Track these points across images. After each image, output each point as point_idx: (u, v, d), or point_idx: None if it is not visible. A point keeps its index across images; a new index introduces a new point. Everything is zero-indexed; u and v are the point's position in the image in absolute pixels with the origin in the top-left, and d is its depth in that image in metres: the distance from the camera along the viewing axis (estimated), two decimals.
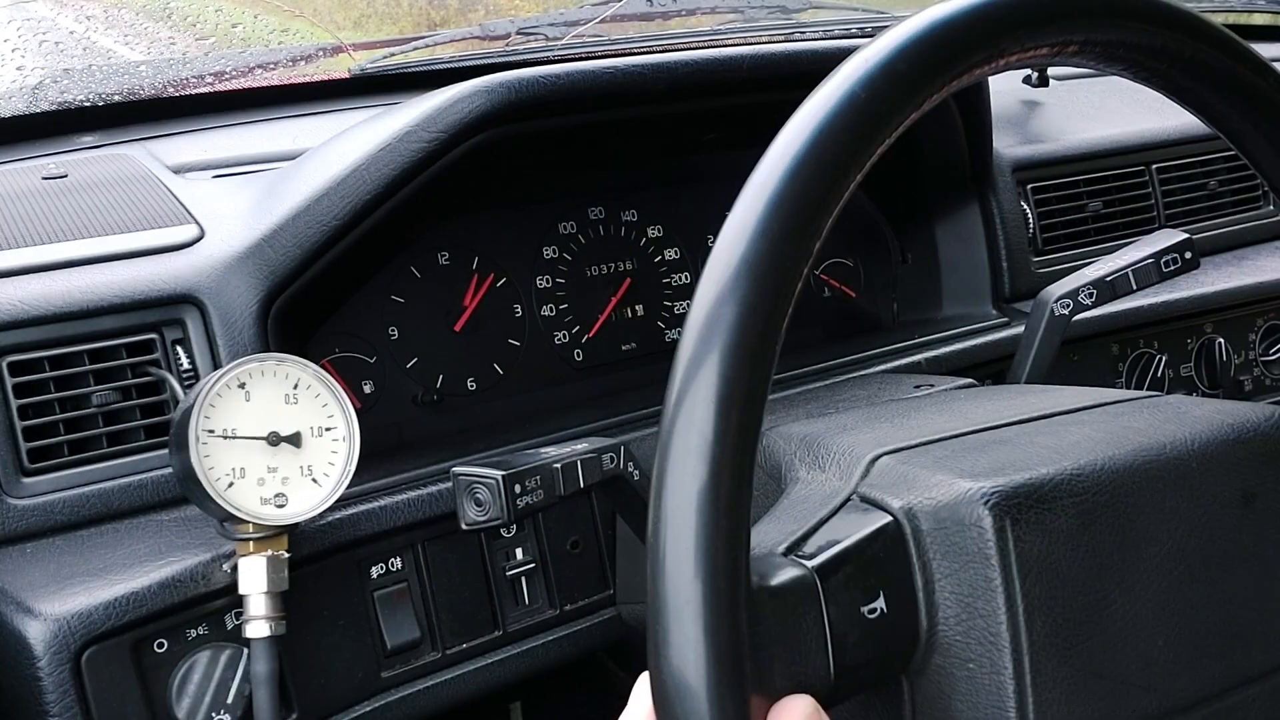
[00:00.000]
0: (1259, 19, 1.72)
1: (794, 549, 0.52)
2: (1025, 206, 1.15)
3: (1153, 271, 0.95)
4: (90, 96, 1.11)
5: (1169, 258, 0.95)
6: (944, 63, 0.47)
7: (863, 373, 0.99)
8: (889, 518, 0.53)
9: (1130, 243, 0.99)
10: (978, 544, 0.50)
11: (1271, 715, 0.57)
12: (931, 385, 0.85)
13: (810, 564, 0.50)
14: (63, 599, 0.67)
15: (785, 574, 0.49)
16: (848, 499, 0.55)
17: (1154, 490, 0.54)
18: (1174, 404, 0.63)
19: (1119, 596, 0.53)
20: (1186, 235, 0.96)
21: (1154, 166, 1.25)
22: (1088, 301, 0.94)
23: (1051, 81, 1.34)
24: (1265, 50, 0.61)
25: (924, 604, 0.52)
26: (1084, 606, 0.52)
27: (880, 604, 0.51)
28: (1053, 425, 0.61)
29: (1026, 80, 1.34)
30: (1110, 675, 0.52)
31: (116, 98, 1.13)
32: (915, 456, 0.57)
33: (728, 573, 0.41)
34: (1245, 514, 0.57)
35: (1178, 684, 0.54)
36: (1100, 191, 1.21)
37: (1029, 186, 1.16)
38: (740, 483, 0.42)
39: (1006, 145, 1.16)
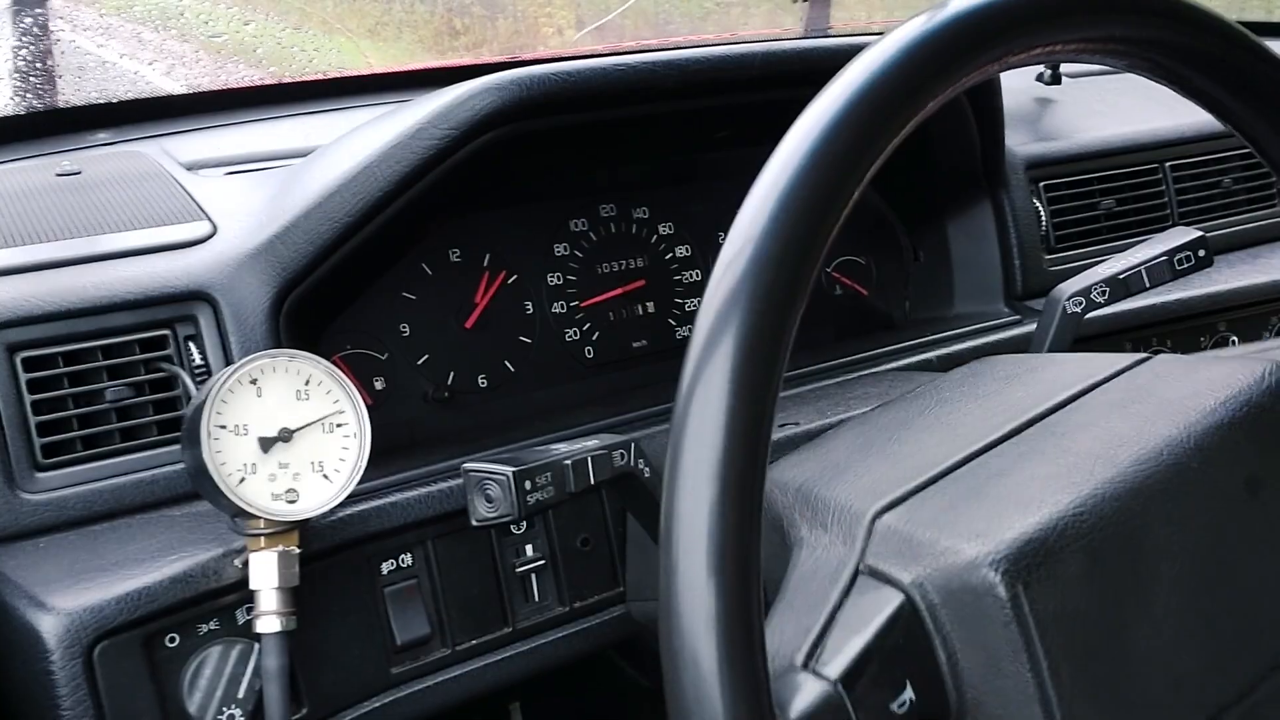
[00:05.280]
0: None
1: (812, 655, 0.50)
2: (1038, 204, 1.15)
3: (1166, 269, 0.94)
4: (104, 94, 1.12)
5: (1182, 255, 0.94)
6: (912, 93, 0.47)
7: (874, 370, 0.98)
8: (901, 596, 0.52)
9: (1143, 240, 0.99)
10: (993, 610, 0.50)
11: None
12: None
13: (833, 675, 0.49)
14: (75, 593, 0.68)
15: (809, 695, 0.48)
16: (856, 572, 0.54)
17: (1158, 503, 0.53)
18: (1159, 389, 0.61)
19: (1138, 619, 0.52)
20: (1200, 233, 0.96)
21: (1167, 164, 1.25)
22: (1100, 299, 0.93)
23: (1064, 79, 1.34)
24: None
25: (950, 678, 0.51)
26: (1106, 641, 0.51)
27: (908, 695, 0.50)
28: (1045, 441, 0.59)
29: (1039, 78, 1.34)
30: (1142, 703, 0.51)
31: (130, 95, 1.13)
32: (915, 511, 0.55)
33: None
34: (1253, 502, 0.56)
35: (1208, 692, 0.53)
36: (1113, 189, 1.21)
37: (1042, 184, 1.16)
38: (749, 585, 0.42)
39: (1019, 143, 1.16)
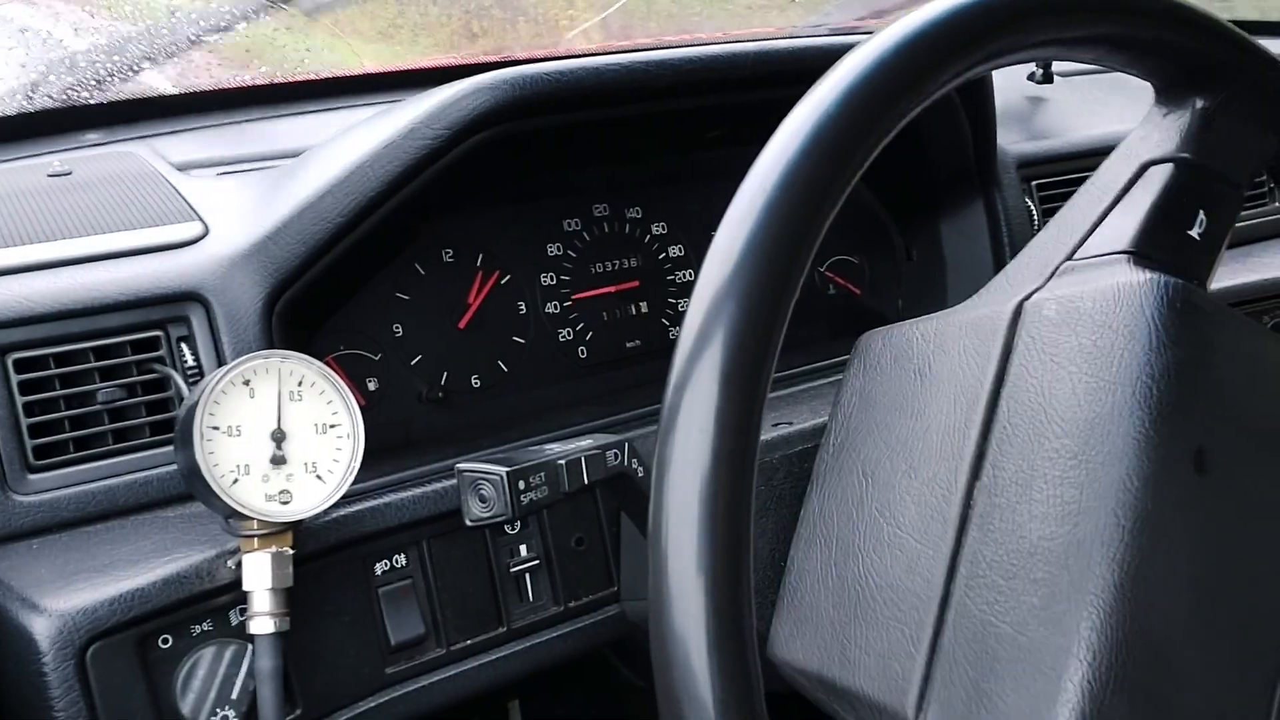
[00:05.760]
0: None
1: None
2: (1030, 203, 1.15)
3: None
4: (94, 93, 1.12)
5: None
6: (904, 88, 0.47)
7: None
8: None
9: None
10: None
11: None
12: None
13: None
14: (68, 595, 0.67)
15: None
16: None
17: (1138, 571, 0.52)
18: (1060, 384, 0.57)
19: (1178, 675, 0.52)
20: None
21: None
22: None
23: (1056, 78, 1.34)
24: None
25: None
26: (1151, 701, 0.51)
27: None
28: (1000, 539, 0.56)
29: (1031, 77, 1.34)
30: None
31: (121, 95, 1.13)
32: (946, 705, 0.54)
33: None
34: (1205, 480, 0.54)
35: (1230, 688, 0.53)
36: None
37: (1033, 183, 1.16)
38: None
39: (1011, 141, 1.16)
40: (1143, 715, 0.50)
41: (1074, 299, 0.58)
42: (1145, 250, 0.60)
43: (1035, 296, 0.60)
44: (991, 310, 0.61)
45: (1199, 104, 0.61)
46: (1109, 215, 0.62)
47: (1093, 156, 1.21)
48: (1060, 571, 0.52)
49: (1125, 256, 0.60)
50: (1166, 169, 0.62)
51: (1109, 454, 0.53)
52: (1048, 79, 1.34)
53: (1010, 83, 1.31)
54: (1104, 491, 0.53)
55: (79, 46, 1.21)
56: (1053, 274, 0.62)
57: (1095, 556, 0.52)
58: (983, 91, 1.06)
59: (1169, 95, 0.62)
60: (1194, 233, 0.62)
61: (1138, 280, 0.56)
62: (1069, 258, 0.62)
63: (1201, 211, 0.62)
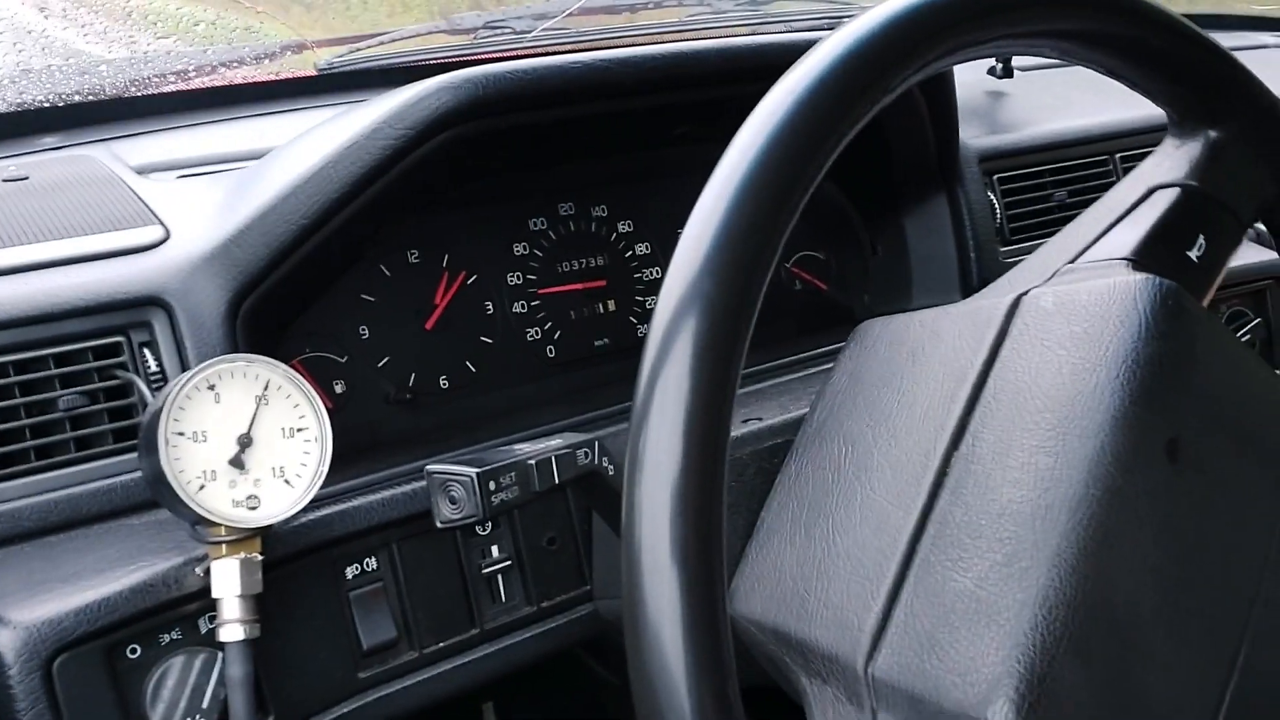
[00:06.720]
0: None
1: None
2: (992, 197, 1.16)
3: None
4: (50, 97, 1.10)
5: None
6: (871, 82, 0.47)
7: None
8: None
9: None
10: None
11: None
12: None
13: None
14: (32, 606, 0.66)
15: None
16: None
17: (1103, 544, 0.53)
18: (1046, 369, 0.58)
19: (1137, 653, 0.52)
20: None
21: (1118, 155, 1.27)
22: None
23: (1016, 72, 1.36)
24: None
25: None
26: (1109, 688, 0.51)
27: None
28: (971, 504, 0.56)
29: (991, 71, 1.36)
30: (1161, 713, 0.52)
31: (78, 98, 1.11)
32: (899, 652, 0.55)
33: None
34: (1175, 469, 0.55)
35: (1186, 670, 0.54)
36: (1065, 181, 1.23)
37: (995, 177, 1.17)
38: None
39: (972, 136, 1.17)
40: (1094, 679, 0.51)
41: (1071, 293, 0.59)
42: (1144, 260, 0.63)
43: (1033, 291, 0.62)
44: (990, 302, 0.63)
45: (1211, 135, 0.65)
46: (1113, 229, 0.65)
47: (1054, 150, 1.22)
48: (1026, 531, 0.53)
49: (1124, 263, 0.63)
50: (1173, 193, 0.65)
51: (1087, 428, 0.54)
52: (1008, 74, 1.35)
53: (971, 78, 1.32)
54: (1077, 462, 0.54)
55: (35, 49, 1.20)
56: (1053, 275, 0.64)
57: (1062, 520, 0.53)
58: (944, 87, 1.07)
59: (1183, 127, 0.66)
60: (1192, 254, 0.65)
61: (1134, 279, 0.58)
62: (1070, 262, 0.64)
63: (1202, 236, 0.65)
